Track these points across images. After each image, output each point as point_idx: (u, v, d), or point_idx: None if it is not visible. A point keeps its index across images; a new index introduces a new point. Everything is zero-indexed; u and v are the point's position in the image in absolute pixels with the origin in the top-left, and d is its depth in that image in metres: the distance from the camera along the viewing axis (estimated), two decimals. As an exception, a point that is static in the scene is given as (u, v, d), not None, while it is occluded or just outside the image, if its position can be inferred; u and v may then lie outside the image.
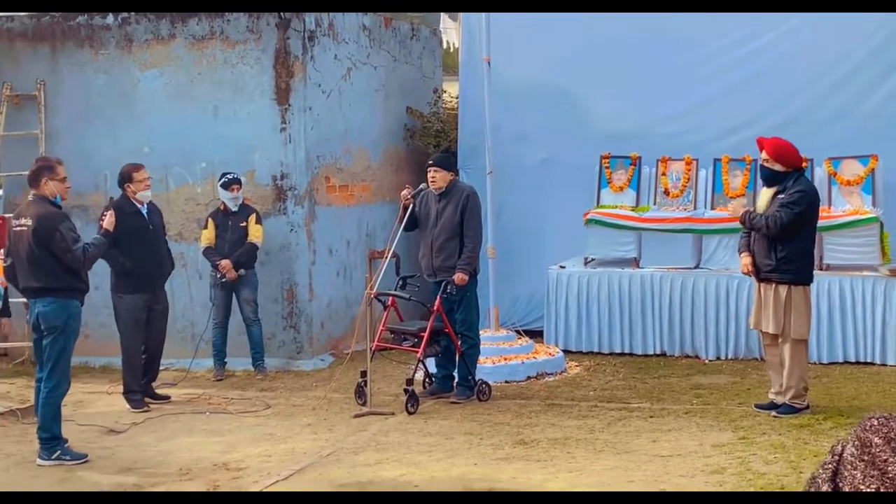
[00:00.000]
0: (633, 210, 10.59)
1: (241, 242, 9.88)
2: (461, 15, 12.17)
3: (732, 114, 10.91)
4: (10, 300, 8.78)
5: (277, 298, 10.43)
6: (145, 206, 8.94)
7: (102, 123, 10.66)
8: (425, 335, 8.52)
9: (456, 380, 8.84)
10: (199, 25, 10.44)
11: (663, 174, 10.68)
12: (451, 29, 14.40)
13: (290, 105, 10.30)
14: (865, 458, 2.25)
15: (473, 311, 8.82)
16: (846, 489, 2.23)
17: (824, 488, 2.29)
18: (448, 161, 8.93)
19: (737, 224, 8.39)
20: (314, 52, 10.46)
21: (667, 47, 11.11)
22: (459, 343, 8.69)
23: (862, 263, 9.90)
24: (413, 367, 8.80)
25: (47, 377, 7.31)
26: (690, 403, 8.45)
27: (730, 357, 10.06)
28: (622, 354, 10.34)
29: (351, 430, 7.95)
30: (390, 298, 8.82)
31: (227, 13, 10.30)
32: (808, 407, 7.94)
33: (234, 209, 9.94)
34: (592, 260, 10.77)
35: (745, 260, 8.02)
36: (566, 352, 10.24)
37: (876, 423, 2.30)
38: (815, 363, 9.69)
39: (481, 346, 9.05)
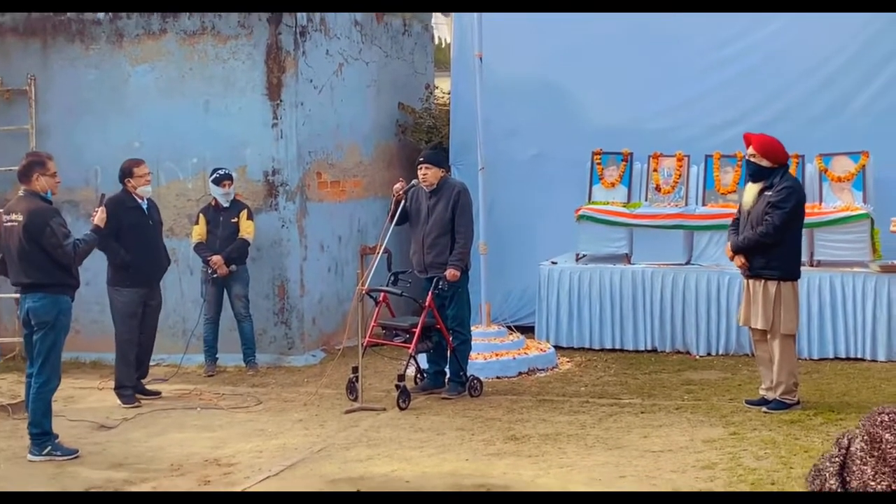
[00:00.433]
0: (624, 206, 10.61)
1: (233, 238, 9.87)
2: (453, 10, 12.17)
3: (724, 110, 10.95)
4: (0, 295, 8.77)
5: (269, 294, 10.42)
6: (145, 201, 8.95)
7: (93, 118, 10.64)
8: (417, 331, 8.53)
9: (447, 376, 8.85)
10: (191, 20, 10.42)
11: (655, 170, 10.70)
12: (442, 25, 14.42)
13: (281, 100, 10.29)
14: (876, 453, 2.24)
15: (465, 307, 8.83)
16: (854, 484, 2.23)
17: (831, 482, 2.28)
18: (439, 157, 8.93)
19: (727, 220, 8.40)
20: (306, 48, 10.45)
21: (659, 43, 11.13)
22: (451, 339, 8.70)
23: (852, 259, 9.93)
24: (404, 362, 8.79)
25: (38, 372, 7.30)
26: (681, 399, 8.47)
27: (720, 353, 10.09)
28: (613, 350, 10.36)
29: (342, 425, 7.95)
30: (382, 294, 8.82)
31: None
32: (798, 403, 7.96)
33: (226, 205, 9.93)
34: (584, 256, 10.78)
35: (739, 261, 8.03)
36: (557, 347, 10.26)
37: (886, 418, 2.29)
38: (805, 359, 9.72)
39: (473, 342, 9.05)
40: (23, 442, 7.48)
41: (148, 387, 9.11)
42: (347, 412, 8.28)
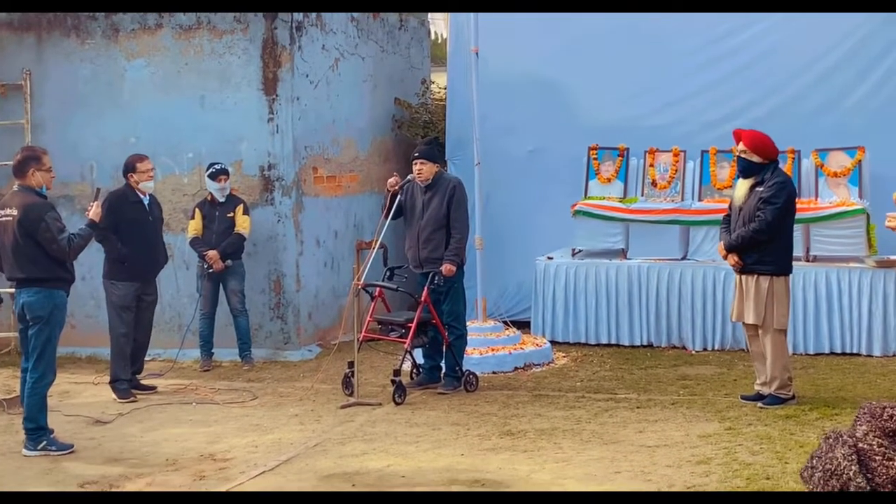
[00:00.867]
0: (620, 201, 10.61)
1: (229, 233, 9.86)
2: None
3: (720, 105, 10.94)
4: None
5: (265, 289, 10.42)
6: (147, 196, 8.96)
7: (89, 113, 10.62)
8: (413, 326, 8.53)
9: (443, 370, 8.85)
10: (186, 15, 10.40)
11: (651, 165, 10.70)
12: (439, 20, 14.41)
13: (277, 95, 10.28)
14: None
15: (460, 302, 8.83)
16: (878, 480, 2.22)
17: (858, 480, 2.28)
18: (434, 153, 8.90)
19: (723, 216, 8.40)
20: (302, 43, 10.43)
21: (655, 39, 11.12)
22: (447, 334, 8.70)
23: (848, 255, 9.94)
24: (400, 357, 8.80)
25: (33, 367, 7.30)
26: (677, 394, 8.47)
27: (716, 348, 10.10)
28: (609, 345, 10.37)
29: (338, 420, 7.95)
30: (378, 289, 8.82)
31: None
32: (793, 397, 7.97)
33: (222, 200, 9.92)
34: (580, 251, 10.79)
35: (732, 259, 8.02)
36: (553, 342, 10.26)
37: (894, 413, 2.29)
38: (801, 354, 9.74)
39: (469, 337, 9.06)
40: (18, 437, 7.48)
41: (143, 381, 9.11)
42: (343, 407, 8.29)
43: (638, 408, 8.06)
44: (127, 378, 8.85)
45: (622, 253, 10.56)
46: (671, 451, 6.86)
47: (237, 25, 10.32)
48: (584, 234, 10.67)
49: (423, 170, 8.70)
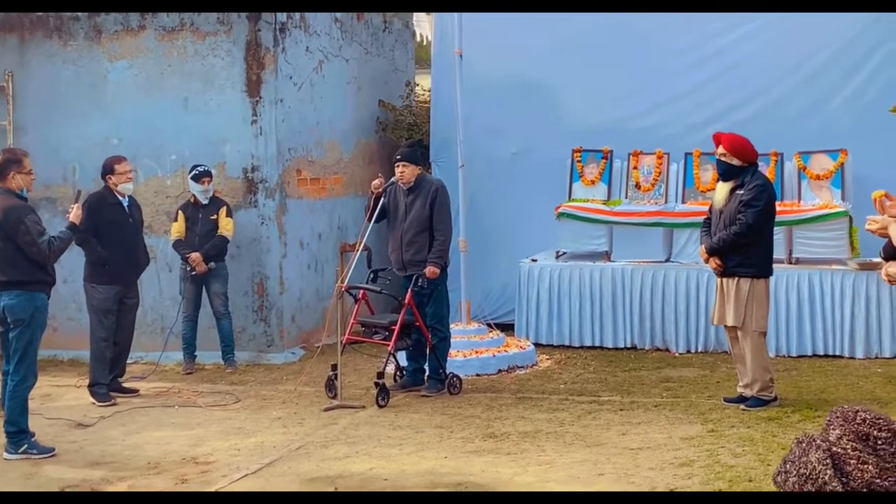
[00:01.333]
0: (604, 204, 10.62)
1: (212, 235, 9.83)
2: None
3: (704, 108, 10.97)
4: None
5: (248, 292, 10.39)
6: (126, 198, 8.91)
7: (71, 115, 10.58)
8: (396, 328, 8.52)
9: (427, 373, 8.85)
10: (169, 17, 10.37)
11: (635, 168, 10.72)
12: (423, 22, 14.40)
13: (261, 97, 10.26)
14: (871, 452, 2.23)
15: (444, 305, 8.82)
16: (853, 484, 2.22)
17: (833, 484, 2.27)
18: (415, 155, 8.88)
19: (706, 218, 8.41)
20: (285, 45, 10.41)
21: (639, 41, 11.14)
22: (430, 336, 8.69)
23: (831, 257, 9.97)
24: (384, 360, 8.79)
25: (14, 370, 7.26)
26: (660, 396, 8.48)
27: (699, 350, 10.12)
28: (593, 347, 10.37)
29: (321, 423, 7.93)
30: (361, 292, 8.81)
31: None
32: (776, 399, 7.99)
33: (205, 202, 9.90)
34: (564, 253, 10.79)
35: (714, 263, 8.03)
36: (537, 345, 10.27)
37: (869, 416, 2.30)
38: (783, 356, 9.77)
39: (452, 340, 9.05)
40: (-1, 440, 7.45)
41: (125, 385, 9.07)
42: (326, 410, 8.27)
43: (621, 410, 8.07)
44: (106, 382, 8.80)
45: (606, 255, 10.58)
46: (654, 454, 6.86)
47: (220, 27, 10.30)
48: (568, 237, 10.68)
49: (404, 172, 8.69)
